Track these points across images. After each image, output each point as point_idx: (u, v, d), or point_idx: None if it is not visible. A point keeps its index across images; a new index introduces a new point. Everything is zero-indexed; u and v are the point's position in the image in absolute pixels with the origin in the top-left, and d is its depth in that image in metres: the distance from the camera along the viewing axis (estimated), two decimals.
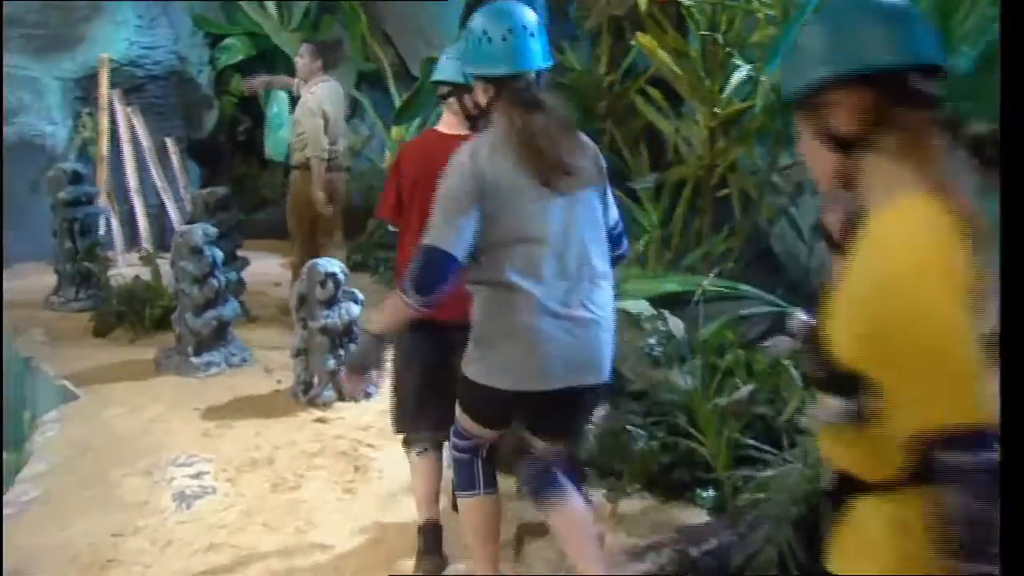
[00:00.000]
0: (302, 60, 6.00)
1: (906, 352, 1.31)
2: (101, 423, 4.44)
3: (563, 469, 2.58)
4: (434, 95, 3.29)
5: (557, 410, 2.49)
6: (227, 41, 9.02)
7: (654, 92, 5.74)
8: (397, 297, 2.41)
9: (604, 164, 2.55)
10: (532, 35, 2.40)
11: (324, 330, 4.52)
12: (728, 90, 5.08)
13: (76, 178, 6.58)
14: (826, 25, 1.47)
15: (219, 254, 5.18)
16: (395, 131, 7.97)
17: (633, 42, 5.65)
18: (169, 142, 8.57)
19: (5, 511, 3.56)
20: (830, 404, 1.41)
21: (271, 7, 9.01)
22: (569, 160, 2.38)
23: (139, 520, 3.46)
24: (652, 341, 3.96)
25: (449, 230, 2.33)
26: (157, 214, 8.37)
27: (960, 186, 1.38)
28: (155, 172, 8.39)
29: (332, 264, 4.54)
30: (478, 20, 2.43)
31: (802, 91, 1.46)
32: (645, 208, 5.33)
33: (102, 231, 7.89)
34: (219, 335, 5.19)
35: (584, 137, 2.51)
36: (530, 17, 2.43)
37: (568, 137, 2.43)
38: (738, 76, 4.99)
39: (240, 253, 6.32)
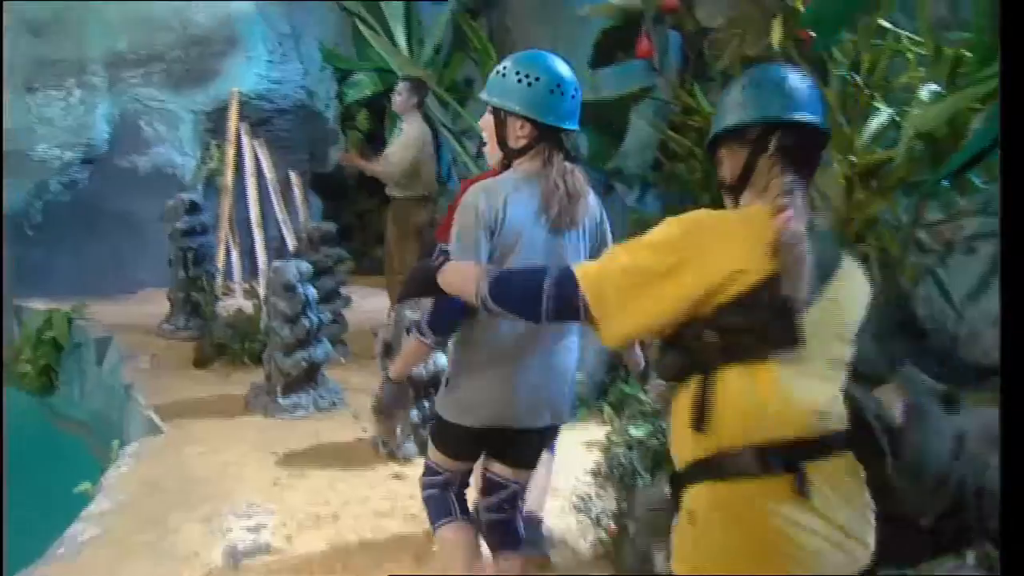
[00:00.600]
0: (400, 97, 5.80)
1: None
2: (176, 462, 4.29)
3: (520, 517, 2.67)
4: None
5: (522, 445, 2.56)
6: (356, 76, 9.04)
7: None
8: (415, 339, 2.51)
9: (605, 219, 2.58)
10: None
11: (407, 380, 4.22)
12: (868, 137, 4.56)
13: (192, 208, 6.61)
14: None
15: (312, 292, 5.00)
16: None
17: None
18: (293, 175, 8.62)
19: (59, 550, 3.42)
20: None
21: (401, 43, 8.96)
22: (581, 213, 2.46)
23: (184, 574, 3.24)
24: None
25: None
26: (278, 246, 8.40)
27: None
28: (277, 205, 8.44)
29: (415, 311, 4.26)
30: (555, 70, 2.41)
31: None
32: None
33: (220, 262, 8.00)
34: (309, 376, 5.00)
35: (592, 193, 2.55)
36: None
37: (586, 192, 2.49)
38: (879, 121, 4.46)
39: (352, 290, 6.19)
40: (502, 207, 2.33)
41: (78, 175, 7.73)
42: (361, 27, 8.70)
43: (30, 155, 7.58)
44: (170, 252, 6.63)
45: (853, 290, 1.77)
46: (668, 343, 1.72)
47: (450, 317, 2.40)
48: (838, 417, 1.66)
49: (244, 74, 8.27)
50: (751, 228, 1.69)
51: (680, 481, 1.73)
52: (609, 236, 2.56)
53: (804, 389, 1.64)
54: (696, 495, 1.67)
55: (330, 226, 6.10)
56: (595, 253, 2.46)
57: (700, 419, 1.65)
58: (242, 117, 8.25)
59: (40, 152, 7.60)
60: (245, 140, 8.29)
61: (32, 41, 7.78)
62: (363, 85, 9.02)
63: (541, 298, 1.76)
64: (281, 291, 4.87)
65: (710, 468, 1.65)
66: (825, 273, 1.71)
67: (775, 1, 5.58)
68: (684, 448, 1.72)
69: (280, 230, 8.44)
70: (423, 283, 2.18)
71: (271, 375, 4.98)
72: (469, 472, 2.68)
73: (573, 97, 2.39)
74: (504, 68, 2.40)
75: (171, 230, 6.58)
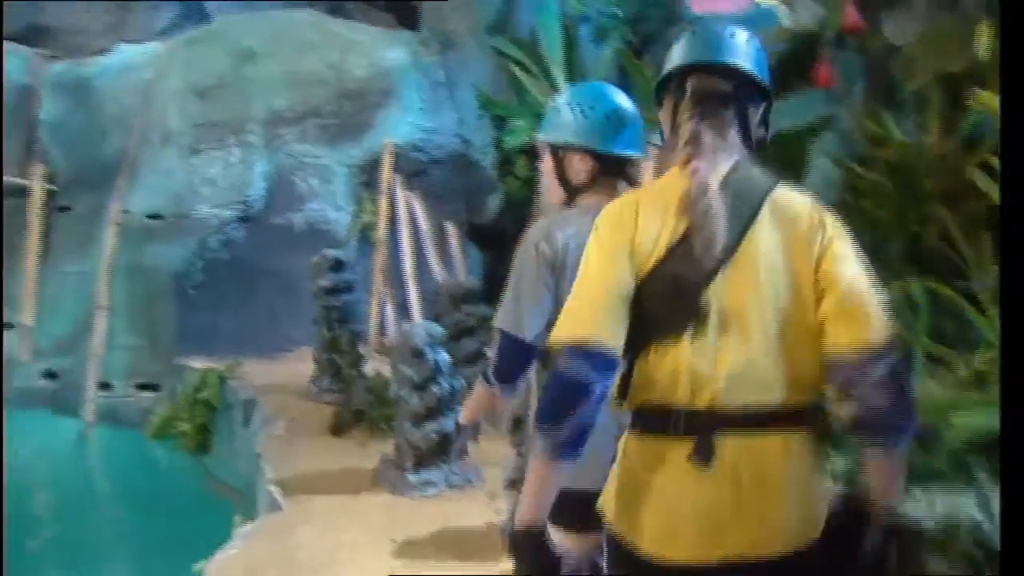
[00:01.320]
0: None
1: None
2: (287, 545, 3.90)
3: None
4: None
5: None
6: (514, 122, 8.69)
7: (999, 165, 4.40)
8: (482, 385, 2.45)
9: None
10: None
11: None
12: None
13: (337, 265, 6.38)
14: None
15: (445, 357, 4.55)
16: None
17: (972, 103, 4.44)
18: (449, 226, 8.31)
19: None
20: None
21: (561, 86, 8.56)
22: None
23: None
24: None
25: (518, 313, 2.26)
26: (434, 300, 8.09)
27: None
28: (432, 257, 8.14)
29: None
30: (609, 98, 2.36)
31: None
32: (987, 314, 4.08)
33: (374, 317, 7.77)
34: (441, 450, 4.53)
35: None
36: None
37: None
38: None
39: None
40: (562, 246, 2.20)
41: (235, 233, 7.74)
42: (517, 71, 8.39)
43: (192, 215, 7.66)
44: (315, 310, 6.41)
45: (789, 231, 1.69)
46: None
47: (510, 364, 2.33)
48: (772, 387, 1.65)
49: (398, 125, 8.11)
50: (653, 197, 1.74)
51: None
52: None
53: (715, 358, 1.64)
54: (624, 440, 1.78)
55: (473, 282, 5.68)
56: None
57: (623, 394, 1.73)
58: (396, 169, 8.05)
59: (201, 212, 7.66)
60: (399, 192, 8.08)
61: (197, 104, 7.93)
62: (521, 131, 8.63)
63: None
64: (408, 356, 4.45)
65: (633, 422, 1.76)
66: (742, 225, 1.66)
67: (978, 6, 4.78)
68: (615, 404, 1.75)
69: (437, 283, 8.14)
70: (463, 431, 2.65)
71: (400, 448, 4.55)
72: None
73: (633, 124, 2.32)
74: (557, 103, 2.37)
75: (316, 288, 6.36)
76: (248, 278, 7.71)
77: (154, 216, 7.75)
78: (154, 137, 7.94)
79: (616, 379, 1.70)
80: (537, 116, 8.47)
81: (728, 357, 1.65)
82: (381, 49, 8.24)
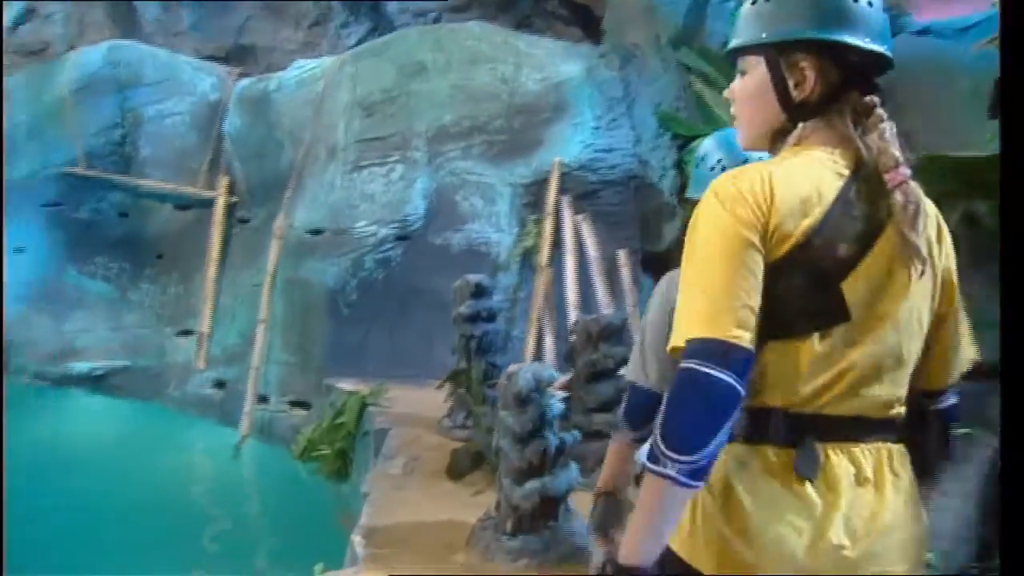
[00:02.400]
0: None
1: None
2: None
3: None
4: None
5: None
6: (698, 143, 7.89)
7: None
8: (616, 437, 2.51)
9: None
10: None
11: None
12: None
13: (479, 291, 5.88)
14: None
15: (556, 407, 3.91)
16: None
17: None
18: (622, 254, 7.66)
19: None
20: None
21: None
22: None
23: None
24: None
25: (642, 362, 2.32)
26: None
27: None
28: (599, 286, 7.51)
29: None
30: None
31: (778, 40, 1.58)
32: None
33: (530, 349, 7.25)
34: (545, 513, 3.88)
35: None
36: None
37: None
38: None
39: None
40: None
41: (392, 252, 7.46)
42: (700, 86, 7.63)
43: (350, 232, 7.46)
44: (454, 339, 5.96)
45: (928, 232, 1.57)
46: None
47: (644, 414, 2.19)
48: (885, 395, 1.53)
49: (568, 143, 7.56)
50: (788, 178, 1.51)
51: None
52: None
53: (837, 361, 1.49)
54: None
55: (614, 318, 4.99)
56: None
57: None
58: (564, 189, 7.51)
59: (359, 229, 7.45)
60: (566, 214, 7.52)
61: (363, 119, 7.76)
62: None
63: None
64: (511, 403, 3.84)
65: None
66: (878, 223, 1.53)
67: None
68: None
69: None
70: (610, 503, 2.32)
71: (500, 506, 3.95)
72: None
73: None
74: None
75: (455, 314, 5.90)
76: (402, 298, 7.41)
77: (315, 231, 7.63)
78: (321, 151, 7.84)
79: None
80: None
81: (848, 361, 1.50)
82: (557, 63, 7.74)
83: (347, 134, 7.71)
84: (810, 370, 1.49)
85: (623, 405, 2.40)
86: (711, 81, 7.62)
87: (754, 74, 1.62)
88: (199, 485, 7.10)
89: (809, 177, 1.52)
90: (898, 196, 1.51)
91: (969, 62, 5.58)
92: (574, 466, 4.00)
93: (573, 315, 7.34)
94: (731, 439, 1.46)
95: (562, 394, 4.72)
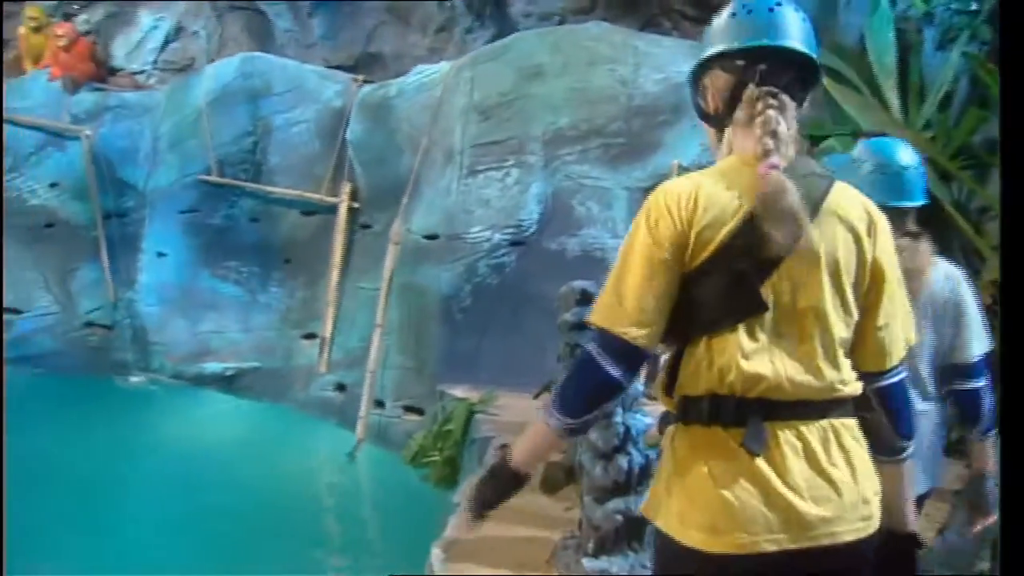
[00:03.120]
0: None
1: None
2: None
3: None
4: None
5: None
6: (827, 143, 7.44)
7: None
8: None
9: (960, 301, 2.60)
10: None
11: None
12: None
13: (585, 298, 5.67)
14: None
15: (641, 422, 3.68)
16: None
17: None
18: None
19: None
20: None
21: (893, 101, 7.20)
22: (917, 290, 2.51)
23: None
24: None
25: None
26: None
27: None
28: None
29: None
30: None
31: (691, 71, 1.92)
32: None
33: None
34: (630, 534, 3.66)
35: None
36: None
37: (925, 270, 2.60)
38: None
39: None
40: None
41: (505, 257, 7.37)
42: (828, 83, 7.17)
43: (464, 237, 7.41)
44: (559, 347, 5.78)
45: (844, 225, 1.72)
46: None
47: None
48: (824, 378, 1.69)
49: (687, 145, 7.26)
50: (715, 187, 1.70)
51: (665, 420, 1.91)
52: (966, 316, 2.47)
53: (767, 352, 1.67)
54: (670, 430, 1.80)
55: None
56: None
57: (670, 385, 1.76)
58: None
59: (473, 234, 7.39)
60: None
61: (482, 124, 7.70)
62: (836, 152, 7.39)
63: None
64: None
65: (679, 412, 1.76)
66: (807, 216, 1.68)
67: None
68: (662, 398, 1.84)
69: None
70: None
71: (582, 525, 3.76)
72: None
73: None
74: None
75: (560, 322, 5.72)
76: (515, 305, 7.29)
77: (430, 236, 7.62)
78: (437, 156, 7.84)
79: (663, 371, 1.77)
80: (854, 136, 7.21)
81: (783, 351, 1.68)
82: (677, 62, 7.44)
83: (463, 138, 7.67)
84: (747, 360, 1.67)
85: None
86: (842, 78, 7.15)
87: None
88: (312, 489, 7.20)
89: (733, 183, 1.71)
90: (762, 187, 1.64)
91: None
92: None
93: None
94: (689, 423, 1.74)
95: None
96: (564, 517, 4.39)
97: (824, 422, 1.71)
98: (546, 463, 4.93)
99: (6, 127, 9.24)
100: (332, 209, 8.72)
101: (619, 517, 3.59)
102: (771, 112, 1.71)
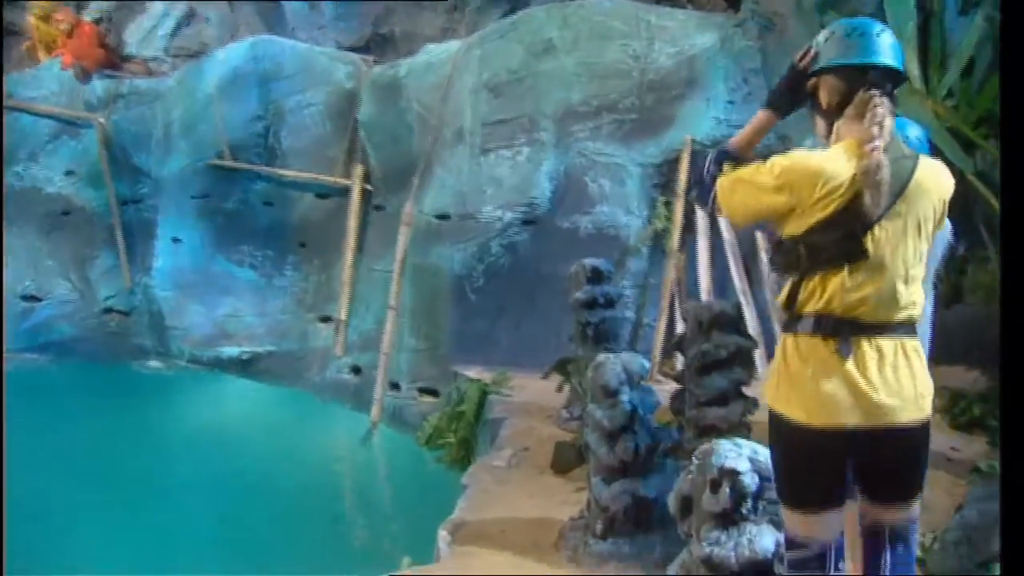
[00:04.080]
0: None
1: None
2: None
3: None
4: None
5: None
6: None
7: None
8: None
9: None
10: None
11: (708, 563, 2.63)
12: None
13: (596, 276, 5.62)
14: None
15: (649, 401, 3.61)
16: None
17: None
18: (760, 236, 7.17)
19: None
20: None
21: (913, 69, 7.00)
22: None
23: None
24: None
25: None
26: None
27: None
28: (735, 271, 7.07)
29: (736, 454, 2.64)
30: None
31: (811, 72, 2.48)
32: None
33: (660, 336, 6.92)
34: (640, 518, 3.60)
35: None
36: None
37: None
38: None
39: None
40: None
41: (518, 237, 7.29)
42: None
43: (477, 217, 7.33)
44: (573, 327, 5.73)
45: (926, 192, 2.35)
46: (778, 249, 2.44)
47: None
48: (901, 307, 2.34)
49: (700, 119, 7.13)
50: (833, 163, 2.27)
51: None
52: None
53: (859, 283, 2.28)
54: (781, 340, 2.43)
55: (726, 304, 4.61)
56: None
57: (791, 304, 2.38)
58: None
59: (485, 214, 7.31)
60: None
61: (492, 102, 7.60)
62: None
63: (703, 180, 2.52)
64: (600, 396, 3.58)
65: (788, 325, 2.41)
66: (899, 189, 2.29)
67: None
68: (778, 309, 2.53)
69: (740, 300, 7.05)
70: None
71: (590, 507, 3.70)
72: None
73: None
74: None
75: (572, 301, 5.66)
76: (529, 284, 7.22)
77: (442, 216, 7.55)
78: (448, 136, 7.75)
79: (786, 291, 2.40)
80: None
81: (872, 286, 2.29)
82: (690, 35, 7.31)
83: (474, 117, 7.58)
84: (848, 293, 2.29)
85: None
86: None
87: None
88: (329, 470, 7.20)
89: (850, 160, 2.28)
90: (872, 164, 2.23)
91: None
92: (671, 467, 3.69)
93: (707, 299, 6.95)
94: (799, 333, 2.37)
95: (660, 386, 4.41)
96: (574, 499, 4.34)
97: (896, 338, 2.33)
98: (556, 443, 4.90)
99: (21, 116, 9.26)
100: (345, 191, 8.68)
101: (627, 498, 3.52)
102: (880, 110, 2.29)
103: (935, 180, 2.37)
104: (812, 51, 2.42)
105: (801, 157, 2.31)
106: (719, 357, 4.43)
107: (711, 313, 4.46)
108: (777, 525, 2.54)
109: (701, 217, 7.11)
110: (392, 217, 8.24)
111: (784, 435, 2.35)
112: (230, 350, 8.90)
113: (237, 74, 8.84)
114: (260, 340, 8.88)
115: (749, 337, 4.52)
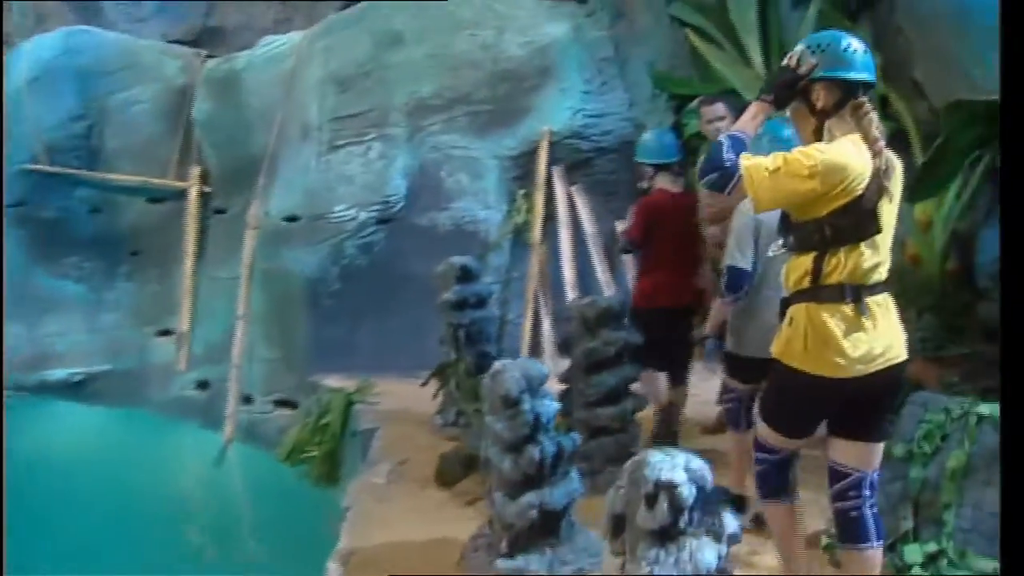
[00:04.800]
0: (722, 123, 4.36)
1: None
2: None
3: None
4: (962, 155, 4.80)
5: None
6: (696, 103, 7.36)
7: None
8: (719, 300, 3.86)
9: None
10: None
11: None
12: None
13: (464, 275, 5.40)
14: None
15: (549, 407, 3.43)
16: (919, 209, 5.69)
17: None
18: (619, 226, 7.15)
19: None
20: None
21: (756, 57, 7.15)
22: None
23: None
24: None
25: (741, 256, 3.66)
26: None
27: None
28: (598, 264, 7.03)
29: (671, 465, 2.47)
30: None
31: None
32: None
33: (527, 335, 6.79)
34: (545, 531, 3.41)
35: None
36: None
37: None
38: None
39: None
40: (762, 218, 3.52)
41: (374, 236, 6.97)
42: (696, 41, 7.08)
43: (328, 217, 6.95)
44: (441, 328, 5.48)
45: (898, 179, 2.74)
46: (798, 228, 2.75)
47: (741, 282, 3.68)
48: (886, 269, 2.75)
49: (557, 109, 7.03)
50: (857, 157, 2.64)
51: (787, 302, 2.83)
52: None
53: (870, 254, 2.69)
54: (797, 309, 2.76)
55: (613, 300, 4.50)
56: None
57: (816, 278, 2.72)
58: (554, 160, 7.01)
59: (337, 213, 6.94)
60: (558, 186, 7.02)
61: (339, 96, 7.23)
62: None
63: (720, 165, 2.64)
64: (500, 406, 3.37)
65: (809, 294, 2.74)
66: (892, 175, 2.71)
67: None
68: (794, 282, 2.79)
69: (604, 293, 7.02)
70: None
71: (492, 524, 3.48)
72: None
73: None
74: None
75: (440, 302, 5.42)
76: (387, 285, 6.92)
77: (290, 218, 7.12)
78: (293, 132, 7.33)
79: (809, 268, 2.73)
80: (726, 94, 7.12)
81: (880, 255, 2.72)
82: (541, 24, 7.20)
83: (321, 112, 7.19)
84: (865, 260, 2.68)
85: (723, 282, 3.69)
86: (708, 36, 7.06)
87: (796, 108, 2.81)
88: (184, 498, 6.68)
89: (862, 154, 2.66)
90: (881, 159, 2.66)
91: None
92: (575, 474, 3.52)
93: (571, 295, 6.86)
94: (823, 301, 2.70)
95: (558, 389, 4.25)
96: (466, 514, 4.11)
97: (883, 293, 2.74)
98: (440, 455, 4.65)
99: None
100: (182, 194, 8.11)
101: (534, 512, 3.32)
102: (873, 114, 2.69)
103: (898, 165, 2.75)
104: (810, 60, 2.68)
105: (834, 151, 2.60)
106: (607, 355, 4.31)
107: (596, 310, 4.33)
108: (717, 536, 2.40)
109: (562, 208, 7.02)
110: (234, 220, 7.73)
111: (804, 387, 2.74)
112: (58, 372, 8.12)
113: (49, 68, 8.04)
114: (92, 359, 8.13)
115: (635, 332, 4.42)
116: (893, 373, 2.73)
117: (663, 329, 4.49)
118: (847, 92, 2.69)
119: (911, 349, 2.83)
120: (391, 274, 6.91)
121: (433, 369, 5.40)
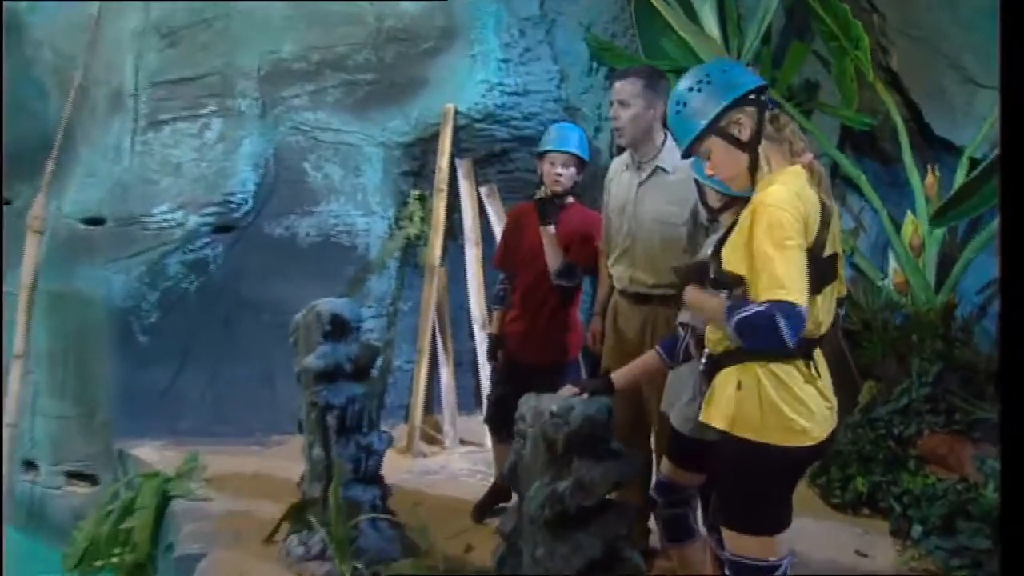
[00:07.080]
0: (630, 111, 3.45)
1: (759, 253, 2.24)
2: None
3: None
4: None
5: None
6: None
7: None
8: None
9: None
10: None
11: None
12: None
13: (339, 328, 3.60)
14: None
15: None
16: (908, 225, 4.94)
17: None
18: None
19: None
20: (714, 304, 2.40)
21: (713, 31, 5.75)
22: None
23: None
24: None
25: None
26: None
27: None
28: None
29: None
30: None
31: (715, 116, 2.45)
32: None
33: (421, 385, 5.14)
34: None
35: None
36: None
37: None
38: None
39: None
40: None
41: (208, 250, 5.19)
42: (640, 3, 5.68)
43: (144, 221, 5.10)
44: (298, 405, 3.70)
45: (836, 216, 2.45)
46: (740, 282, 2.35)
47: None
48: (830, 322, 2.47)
49: (465, 83, 5.41)
50: (808, 193, 2.34)
51: (719, 363, 2.44)
52: None
53: (830, 306, 2.43)
54: (744, 370, 2.36)
55: (342, 306, 3.18)
56: None
57: None
58: (461, 151, 5.39)
59: (158, 216, 5.10)
60: (465, 186, 5.41)
61: (165, 53, 5.38)
62: None
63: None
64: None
65: (754, 353, 2.34)
66: (828, 216, 2.41)
67: None
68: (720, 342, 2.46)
69: None
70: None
71: None
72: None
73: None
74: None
75: (299, 369, 3.63)
76: (226, 317, 5.25)
77: (92, 221, 5.23)
78: (99, 100, 5.43)
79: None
80: (678, 72, 5.72)
81: (832, 305, 2.45)
82: None
83: (138, 74, 5.33)
84: (822, 312, 2.40)
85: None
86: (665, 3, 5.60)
87: (715, 146, 2.45)
88: None
89: (812, 188, 2.40)
90: (817, 176, 2.41)
91: None
92: None
93: (480, 335, 5.21)
94: (774, 359, 2.35)
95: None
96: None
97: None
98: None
99: None
100: None
101: None
102: (793, 123, 2.46)
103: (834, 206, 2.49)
104: (717, 106, 2.38)
105: (788, 202, 2.27)
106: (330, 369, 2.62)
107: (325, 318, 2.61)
108: None
109: (470, 216, 5.38)
110: (22, 215, 5.75)
111: (772, 464, 2.35)
112: None
113: None
114: None
115: None
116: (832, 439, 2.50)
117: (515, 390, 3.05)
118: (758, 107, 2.39)
119: (921, 420, 2.82)
120: (232, 302, 5.23)
121: (284, 512, 3.60)
